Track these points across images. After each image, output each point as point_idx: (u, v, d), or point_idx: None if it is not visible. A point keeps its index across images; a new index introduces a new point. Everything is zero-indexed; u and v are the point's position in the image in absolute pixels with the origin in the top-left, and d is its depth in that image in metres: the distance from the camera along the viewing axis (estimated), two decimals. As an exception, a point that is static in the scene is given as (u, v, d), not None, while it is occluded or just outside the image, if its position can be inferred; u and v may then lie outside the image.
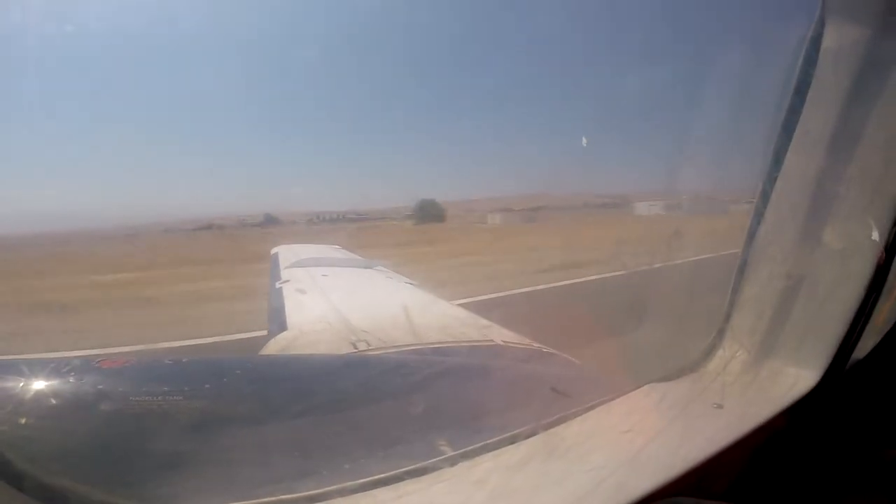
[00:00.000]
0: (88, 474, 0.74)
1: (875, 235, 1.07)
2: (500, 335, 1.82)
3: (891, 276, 1.14)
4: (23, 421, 0.80)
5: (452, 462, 0.82)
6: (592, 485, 0.76)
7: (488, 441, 0.87)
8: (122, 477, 0.77)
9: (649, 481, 0.77)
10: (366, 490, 0.74)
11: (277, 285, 2.39)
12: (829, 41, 1.02)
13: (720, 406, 1.03)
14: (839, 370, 1.14)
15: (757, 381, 1.14)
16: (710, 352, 1.20)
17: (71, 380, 0.92)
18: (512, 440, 0.88)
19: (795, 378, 1.13)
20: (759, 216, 1.15)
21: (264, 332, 2.00)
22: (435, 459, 0.82)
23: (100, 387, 0.97)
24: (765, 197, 1.13)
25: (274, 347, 1.74)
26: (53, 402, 0.86)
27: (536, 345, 1.72)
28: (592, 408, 1.00)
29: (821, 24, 1.02)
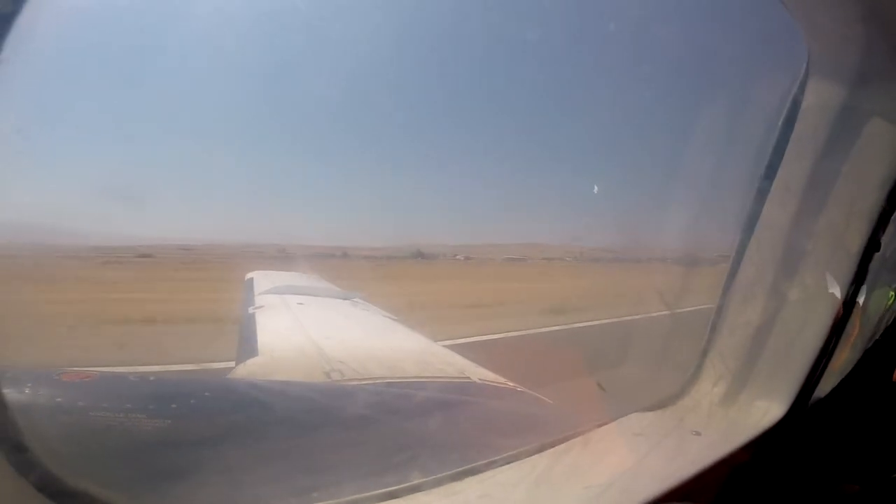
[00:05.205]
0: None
1: (836, 289, 1.17)
2: (477, 373, 1.82)
3: (848, 326, 1.25)
4: None
5: (437, 483, 0.81)
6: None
7: (473, 465, 0.87)
8: (71, 493, 0.71)
9: (641, 498, 0.81)
10: None
11: (250, 310, 2.32)
12: (808, 102, 1.10)
13: (699, 433, 1.09)
14: (802, 406, 1.23)
15: (731, 412, 1.20)
16: (689, 385, 1.26)
17: (27, 391, 0.86)
18: (502, 462, 0.88)
19: (765, 410, 1.20)
20: (736, 265, 1.24)
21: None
22: (416, 482, 0.81)
23: (58, 399, 0.91)
24: (742, 248, 1.22)
25: (243, 372, 1.67)
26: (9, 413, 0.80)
27: (512, 384, 1.73)
28: (583, 433, 1.03)
29: (802, 86, 1.11)
